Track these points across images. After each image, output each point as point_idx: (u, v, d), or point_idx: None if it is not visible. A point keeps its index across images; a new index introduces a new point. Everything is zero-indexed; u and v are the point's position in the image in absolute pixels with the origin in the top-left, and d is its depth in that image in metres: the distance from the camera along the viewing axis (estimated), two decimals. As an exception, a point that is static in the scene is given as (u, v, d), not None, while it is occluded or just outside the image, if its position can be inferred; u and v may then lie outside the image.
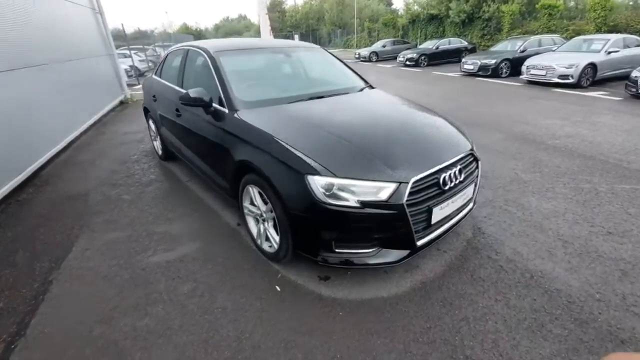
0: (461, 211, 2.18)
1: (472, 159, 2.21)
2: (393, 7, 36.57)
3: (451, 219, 2.09)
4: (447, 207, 1.97)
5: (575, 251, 2.30)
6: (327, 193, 1.73)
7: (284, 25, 42.36)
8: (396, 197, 1.74)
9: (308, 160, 1.81)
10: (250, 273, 2.20)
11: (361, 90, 3.05)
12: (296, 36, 35.59)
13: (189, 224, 2.81)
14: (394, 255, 1.88)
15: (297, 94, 2.61)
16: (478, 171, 2.28)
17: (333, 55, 3.48)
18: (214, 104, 2.47)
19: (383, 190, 1.75)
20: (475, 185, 2.28)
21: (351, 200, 1.73)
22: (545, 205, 2.90)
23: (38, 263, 2.38)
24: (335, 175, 1.74)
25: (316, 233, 1.85)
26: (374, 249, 1.86)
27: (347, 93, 2.88)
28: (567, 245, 2.36)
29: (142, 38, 18.78)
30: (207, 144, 2.62)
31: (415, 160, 1.91)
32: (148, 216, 2.96)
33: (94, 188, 3.61)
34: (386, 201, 1.74)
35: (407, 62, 15.57)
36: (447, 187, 1.93)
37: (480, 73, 10.83)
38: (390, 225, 1.79)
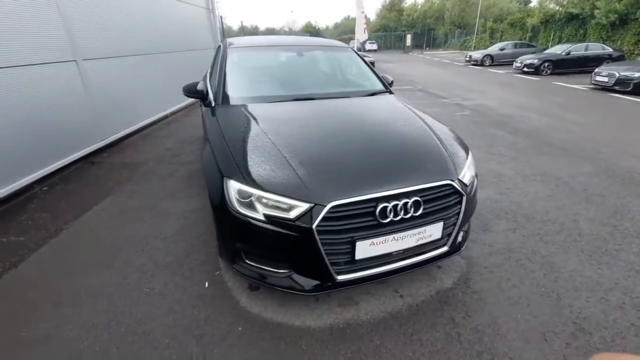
0: (421, 254, 1.77)
1: (448, 192, 1.75)
2: (531, 4, 31.54)
3: (399, 260, 1.71)
4: (385, 244, 1.62)
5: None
6: (242, 200, 1.63)
7: (399, 24, 41.22)
8: (306, 219, 1.52)
9: (231, 163, 1.73)
10: (200, 262, 2.25)
11: (370, 95, 2.75)
12: (408, 36, 34.23)
13: (186, 205, 3.04)
14: (307, 283, 1.66)
15: (284, 93, 2.51)
16: (460, 209, 1.80)
17: (360, 57, 3.21)
18: (210, 97, 2.58)
19: (294, 209, 1.54)
20: (454, 226, 1.81)
21: (259, 213, 1.59)
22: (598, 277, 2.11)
23: (64, 214, 2.94)
24: (246, 183, 1.62)
25: (230, 239, 1.76)
26: (284, 271, 1.68)
27: (348, 97, 2.64)
28: None
29: (258, 34, 21.04)
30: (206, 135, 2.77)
31: (350, 182, 1.63)
32: (162, 192, 3.32)
33: (146, 161, 4.25)
34: (293, 221, 1.53)
35: (525, 69, 13.32)
36: (387, 221, 1.59)
37: (616, 88, 8.46)
38: (299, 249, 1.58)
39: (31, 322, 1.79)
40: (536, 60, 12.79)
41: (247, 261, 1.74)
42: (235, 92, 2.49)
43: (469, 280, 2.06)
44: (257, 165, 1.71)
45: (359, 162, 1.77)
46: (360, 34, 11.34)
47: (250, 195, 1.60)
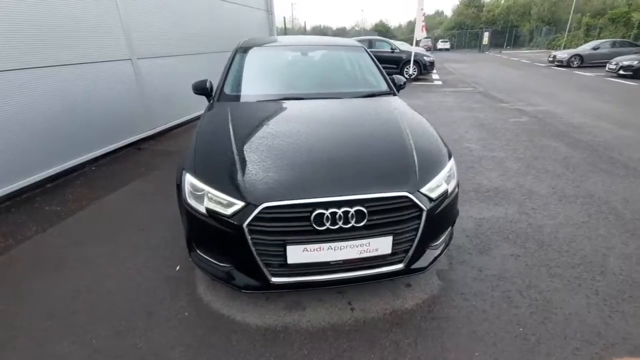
0: (369, 268, 1.66)
1: (403, 205, 1.60)
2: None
3: (341, 271, 1.63)
4: (319, 252, 1.55)
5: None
6: (195, 193, 1.71)
7: (477, 22, 38.10)
8: (240, 217, 1.54)
9: (191, 157, 1.83)
10: (183, 247, 2.39)
11: (369, 96, 2.63)
12: (486, 34, 31.44)
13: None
14: (244, 281, 1.67)
15: (275, 92, 2.54)
16: (419, 225, 1.63)
17: (371, 57, 3.06)
18: (212, 95, 2.74)
19: (232, 206, 1.57)
20: (411, 242, 1.65)
21: (202, 206, 1.65)
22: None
23: (98, 191, 3.39)
24: (196, 177, 1.70)
25: (185, 229, 1.86)
26: (226, 265, 1.71)
27: (343, 98, 2.56)
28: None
29: (321, 34, 21.41)
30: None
31: (290, 185, 1.59)
32: (180, 179, 3.63)
33: (181, 150, 4.66)
34: (229, 217, 1.56)
35: (622, 71, 11.33)
36: (322, 228, 1.52)
37: None
38: (233, 246, 1.60)
39: (23, 278, 2.12)
40: (636, 62, 10.74)
41: (198, 251, 1.82)
42: (230, 89, 2.60)
43: (435, 304, 1.85)
44: (210, 161, 1.78)
45: (312, 166, 1.72)
46: (419, 33, 10.77)
47: (202, 189, 1.68)
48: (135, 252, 2.38)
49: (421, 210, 1.62)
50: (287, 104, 2.43)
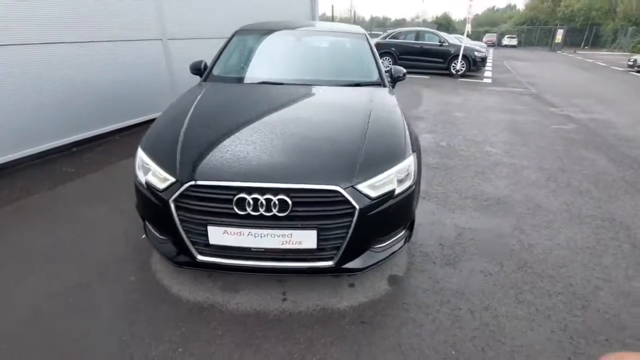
0: (296, 260, 1.60)
1: (332, 200, 1.51)
2: None
3: (265, 259, 1.59)
4: (240, 236, 1.52)
5: None
6: (144, 166, 1.77)
7: (551, 17, 34.26)
8: (169, 193, 1.57)
9: (147, 133, 1.90)
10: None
11: (355, 85, 2.51)
12: (560, 31, 28.15)
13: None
14: (172, 254, 1.71)
15: (256, 76, 2.53)
16: (351, 223, 1.53)
17: (370, 47, 2.88)
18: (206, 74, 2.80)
19: (166, 182, 1.60)
20: (342, 240, 1.56)
21: (143, 178, 1.71)
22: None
23: (112, 158, 3.67)
24: (144, 151, 1.76)
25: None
26: (164, 238, 1.76)
27: (323, 85, 2.46)
28: None
29: (379, 26, 20.91)
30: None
31: (220, 167, 1.58)
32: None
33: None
34: (160, 192, 1.60)
35: None
36: (243, 213, 1.49)
37: None
38: (164, 220, 1.63)
39: (18, 225, 2.38)
40: None
41: (145, 222, 1.90)
42: (218, 71, 2.63)
43: (370, 310, 1.74)
44: (158, 138, 1.84)
45: (252, 151, 1.67)
46: (467, 26, 10.01)
47: (148, 163, 1.73)
48: (121, 216, 2.54)
49: (354, 207, 1.52)
50: (262, 88, 2.41)
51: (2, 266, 2.00)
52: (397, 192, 1.66)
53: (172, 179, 1.58)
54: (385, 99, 2.31)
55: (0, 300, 1.76)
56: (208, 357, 1.48)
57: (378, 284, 1.92)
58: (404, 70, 2.86)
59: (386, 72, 2.77)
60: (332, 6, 14.56)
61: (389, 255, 1.79)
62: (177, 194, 1.53)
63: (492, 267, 2.08)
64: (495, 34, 35.69)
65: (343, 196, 1.51)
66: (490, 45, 32.42)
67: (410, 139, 1.92)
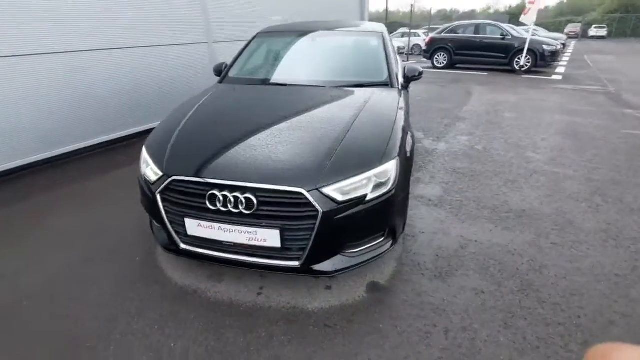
0: (261, 257, 1.67)
1: (295, 202, 1.54)
2: None
3: (235, 253, 1.68)
4: (211, 230, 1.64)
5: None
6: (147, 161, 1.99)
7: (587, 6, 28.80)
8: (157, 185, 1.74)
9: (153, 130, 2.11)
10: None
11: (358, 86, 2.47)
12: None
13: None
14: (166, 242, 1.88)
15: (266, 78, 2.65)
16: (315, 226, 1.54)
17: (384, 46, 2.78)
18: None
19: (156, 175, 1.78)
20: (306, 242, 1.58)
21: (142, 171, 1.92)
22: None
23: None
24: (145, 147, 1.97)
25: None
26: (159, 226, 1.95)
27: (328, 87, 2.46)
28: None
29: (445, 19, 20.38)
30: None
31: (201, 165, 1.71)
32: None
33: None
34: (151, 184, 1.79)
35: None
36: (214, 208, 1.60)
37: None
38: (154, 210, 1.81)
39: (57, 208, 2.81)
40: None
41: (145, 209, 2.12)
42: (233, 73, 2.79)
43: (338, 314, 1.72)
44: (158, 135, 2.04)
45: (236, 150, 1.78)
46: (527, 18, 8.98)
47: (147, 159, 1.94)
48: (137, 207, 2.86)
49: (317, 210, 1.52)
50: (261, 90, 2.53)
51: (40, 239, 2.40)
52: (370, 197, 1.62)
53: (160, 173, 1.75)
54: (384, 101, 2.23)
55: (28, 266, 2.12)
56: (177, 337, 1.62)
57: (356, 289, 1.89)
58: (420, 69, 2.72)
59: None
60: (387, 1, 14.17)
61: (364, 262, 1.76)
62: (162, 186, 1.70)
63: (488, 286, 1.91)
64: (579, 24, 31.32)
65: (306, 198, 1.52)
66: (573, 36, 28.59)
67: (401, 142, 1.85)
